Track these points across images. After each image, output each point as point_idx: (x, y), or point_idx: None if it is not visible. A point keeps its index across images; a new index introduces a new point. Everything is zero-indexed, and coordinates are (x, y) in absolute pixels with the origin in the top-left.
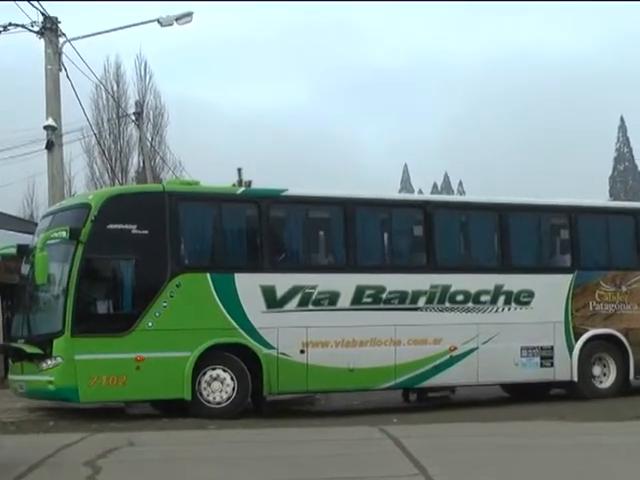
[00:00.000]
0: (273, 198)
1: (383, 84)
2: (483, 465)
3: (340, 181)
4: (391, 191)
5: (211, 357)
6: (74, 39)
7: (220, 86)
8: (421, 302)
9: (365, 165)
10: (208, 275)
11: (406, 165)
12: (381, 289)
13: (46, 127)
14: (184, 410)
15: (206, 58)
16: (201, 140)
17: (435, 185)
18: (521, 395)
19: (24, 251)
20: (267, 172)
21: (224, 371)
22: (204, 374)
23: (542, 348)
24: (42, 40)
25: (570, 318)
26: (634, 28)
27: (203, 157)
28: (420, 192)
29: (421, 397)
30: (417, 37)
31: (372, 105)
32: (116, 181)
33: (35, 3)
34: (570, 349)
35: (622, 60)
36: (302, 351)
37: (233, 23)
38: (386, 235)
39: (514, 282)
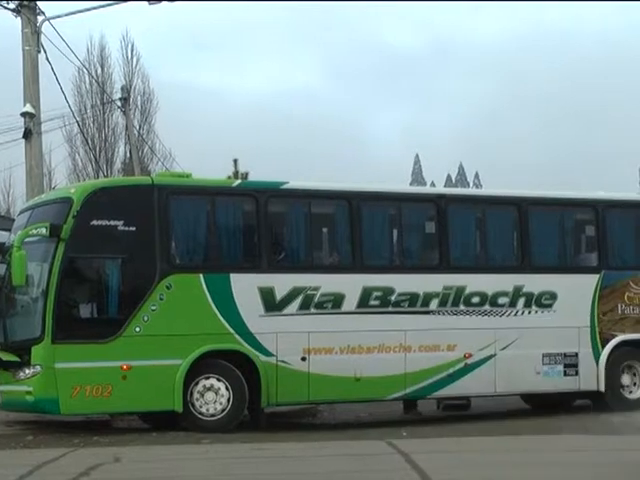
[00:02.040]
0: (272, 191)
1: (399, 68)
2: None
3: (348, 172)
4: (401, 183)
5: (204, 365)
6: (54, 17)
7: (220, 70)
8: (433, 305)
9: (376, 155)
10: (201, 276)
11: (417, 155)
12: (390, 291)
13: (24, 114)
14: (175, 423)
15: (206, 39)
16: (195, 129)
17: (449, 177)
18: (543, 406)
19: (0, 249)
20: (267, 163)
21: (218, 380)
22: (197, 384)
23: (566, 355)
24: (19, 19)
25: (597, 322)
26: None
27: (196, 147)
28: (433, 185)
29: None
30: (435, 17)
31: (386, 90)
32: (100, 173)
33: None
34: (596, 356)
35: None
36: (303, 358)
37: (240, 4)
38: (395, 232)
39: (535, 283)
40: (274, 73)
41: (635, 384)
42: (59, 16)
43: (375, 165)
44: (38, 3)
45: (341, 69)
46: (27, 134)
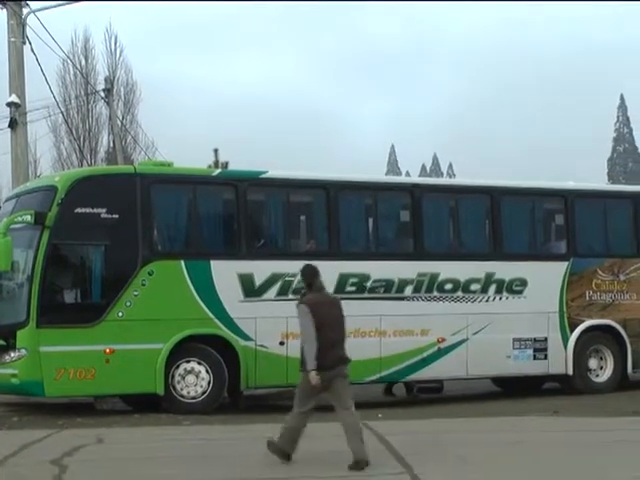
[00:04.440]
0: (251, 180)
1: (380, 61)
2: (470, 463)
3: (327, 162)
4: (377, 173)
5: (185, 349)
6: (39, 10)
7: (203, 62)
8: (408, 291)
9: (355, 146)
10: (182, 262)
11: (393, 146)
12: (365, 277)
13: (9, 104)
14: (157, 405)
15: (189, 32)
16: (177, 119)
17: (424, 167)
18: (513, 389)
19: None
20: (247, 153)
21: (199, 364)
22: (178, 367)
23: (535, 340)
24: (4, 10)
25: (565, 308)
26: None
27: (178, 137)
28: (407, 175)
29: (408, 391)
30: (413, 9)
31: (367, 83)
32: (84, 162)
33: None
34: (565, 341)
35: (623, 37)
36: (282, 343)
37: None
38: (371, 220)
39: (506, 270)
40: (257, 65)
41: (602, 368)
42: (44, 9)
43: (353, 155)
44: None
45: (324, 62)
46: (13, 124)
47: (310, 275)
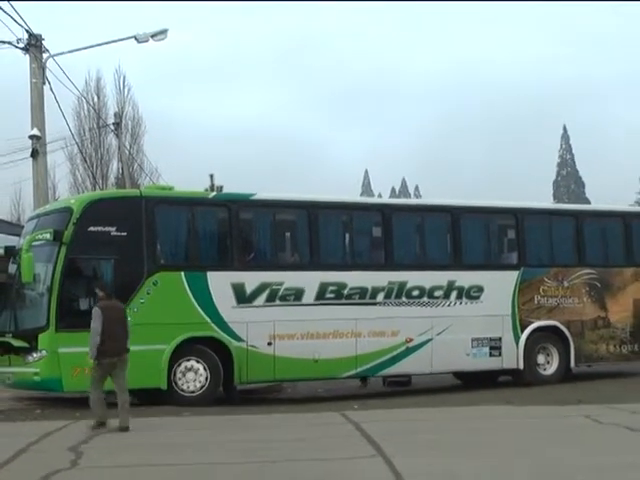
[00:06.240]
0: (243, 202)
1: (354, 95)
2: (437, 446)
3: (309, 185)
4: (353, 195)
5: (185, 349)
6: (57, 55)
7: (199, 97)
8: (380, 297)
9: (333, 170)
10: (182, 273)
11: (367, 171)
12: (343, 285)
13: (31, 136)
14: (161, 398)
15: (189, 73)
16: (177, 148)
17: (393, 189)
18: (472, 382)
19: (11, 252)
20: (239, 177)
21: (197, 362)
22: (179, 365)
23: (491, 339)
24: (27, 56)
25: (517, 311)
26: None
27: (179, 164)
28: (379, 196)
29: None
30: (385, 51)
31: (346, 116)
32: (97, 186)
33: (21, 21)
34: (516, 340)
35: (563, 70)
36: (270, 343)
37: (216, 41)
38: (347, 235)
39: (465, 278)
40: (249, 101)
41: (548, 362)
42: (62, 53)
43: (332, 179)
44: (44, 43)
45: (308, 99)
46: (34, 154)
47: (105, 288)
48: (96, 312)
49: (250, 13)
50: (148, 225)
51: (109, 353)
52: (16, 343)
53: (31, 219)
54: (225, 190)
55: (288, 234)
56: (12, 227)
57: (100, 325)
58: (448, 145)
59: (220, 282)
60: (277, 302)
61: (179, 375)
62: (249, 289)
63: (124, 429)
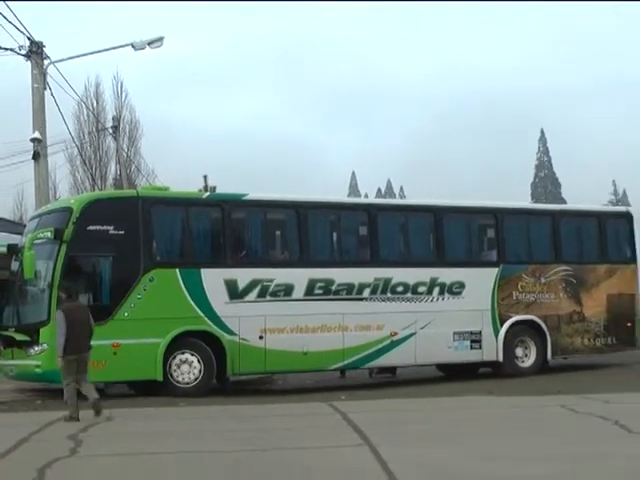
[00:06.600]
0: (235, 202)
1: (342, 99)
2: (422, 435)
3: (298, 186)
4: (340, 195)
5: (180, 343)
6: (58, 61)
7: (194, 101)
8: (366, 293)
9: (321, 172)
10: (177, 270)
11: (354, 172)
12: (330, 282)
13: (33, 139)
14: (157, 390)
15: (186, 78)
16: (173, 151)
17: (379, 190)
18: (454, 374)
19: (14, 250)
20: (232, 178)
21: (192, 355)
22: (174, 358)
23: (472, 333)
24: (29, 62)
25: (496, 306)
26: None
27: (174, 166)
28: (366, 196)
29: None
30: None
31: (330, 120)
32: (96, 187)
33: (23, 29)
34: (496, 333)
35: (540, 78)
36: (261, 337)
37: (214, 47)
38: (335, 234)
39: (447, 275)
40: (242, 105)
41: (526, 355)
42: (62, 60)
43: (320, 179)
44: (45, 50)
45: (297, 103)
46: (36, 156)
47: (68, 290)
48: (59, 315)
49: (244, 15)
50: (144, 224)
51: (73, 351)
52: (18, 337)
53: (33, 218)
54: (218, 191)
55: (278, 232)
56: (15, 226)
57: (64, 327)
58: (432, 147)
59: (213, 278)
60: (268, 298)
61: (174, 367)
62: (241, 285)
63: (97, 406)
